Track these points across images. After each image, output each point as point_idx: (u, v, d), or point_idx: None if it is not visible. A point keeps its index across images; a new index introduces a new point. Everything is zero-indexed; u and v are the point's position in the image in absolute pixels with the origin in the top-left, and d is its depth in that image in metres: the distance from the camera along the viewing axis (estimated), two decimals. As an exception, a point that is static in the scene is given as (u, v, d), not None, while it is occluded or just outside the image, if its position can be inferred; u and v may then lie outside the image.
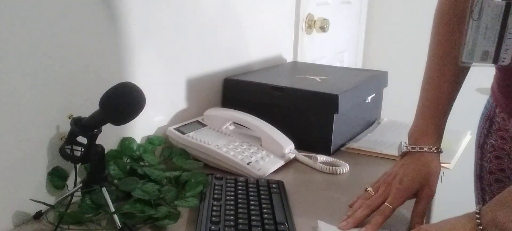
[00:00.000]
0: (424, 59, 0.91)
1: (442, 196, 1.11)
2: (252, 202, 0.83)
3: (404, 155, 0.88)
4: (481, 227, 0.68)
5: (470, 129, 1.24)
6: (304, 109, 1.17)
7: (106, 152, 0.83)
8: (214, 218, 0.77)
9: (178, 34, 1.12)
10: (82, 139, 0.82)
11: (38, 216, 0.81)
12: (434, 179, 0.84)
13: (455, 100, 0.90)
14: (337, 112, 1.13)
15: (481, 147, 1.04)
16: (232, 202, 0.83)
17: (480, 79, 1.10)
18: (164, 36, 1.08)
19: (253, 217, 0.78)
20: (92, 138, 0.81)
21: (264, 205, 0.82)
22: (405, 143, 0.89)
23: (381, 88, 1.44)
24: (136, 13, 0.98)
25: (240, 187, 0.89)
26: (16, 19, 0.74)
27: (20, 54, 0.76)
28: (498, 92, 0.96)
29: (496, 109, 0.98)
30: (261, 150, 1.07)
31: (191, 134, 1.07)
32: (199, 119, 1.16)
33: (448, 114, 0.89)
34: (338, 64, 2.16)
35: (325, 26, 1.83)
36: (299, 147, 1.12)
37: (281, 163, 1.05)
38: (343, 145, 1.21)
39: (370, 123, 1.39)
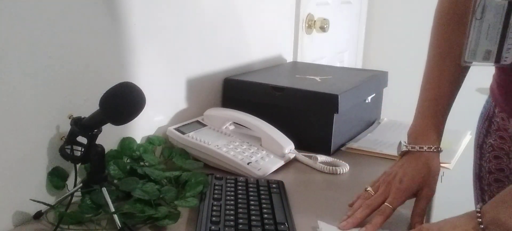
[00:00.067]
0: (424, 59, 0.91)
1: (442, 196, 1.11)
2: (252, 202, 0.83)
3: (403, 154, 0.88)
4: (482, 226, 0.68)
5: (470, 129, 1.24)
6: (304, 109, 1.17)
7: (106, 152, 0.83)
8: (214, 218, 0.77)
9: (178, 34, 1.12)
10: (82, 139, 0.82)
11: (38, 216, 0.81)
12: (434, 179, 0.84)
13: (455, 100, 0.90)
14: (337, 112, 1.13)
15: (480, 146, 1.04)
16: (232, 202, 0.83)
17: (480, 79, 1.10)
18: (164, 36, 1.08)
19: (253, 217, 0.78)
20: (92, 138, 0.81)
21: (264, 205, 0.82)
22: (405, 142, 0.88)
23: (381, 88, 1.44)
24: (136, 13, 0.98)
25: (240, 187, 0.89)
26: (16, 19, 0.74)
27: (20, 54, 0.76)
28: (497, 92, 0.96)
29: (495, 109, 0.98)
30: (261, 150, 1.07)
31: (191, 134, 1.07)
32: (199, 118, 1.16)
33: (448, 114, 0.89)
34: (338, 64, 2.16)
35: (325, 26, 1.83)
36: (299, 147, 1.12)
37: (281, 163, 1.05)
38: (343, 145, 1.21)
39: (370, 123, 1.39)
